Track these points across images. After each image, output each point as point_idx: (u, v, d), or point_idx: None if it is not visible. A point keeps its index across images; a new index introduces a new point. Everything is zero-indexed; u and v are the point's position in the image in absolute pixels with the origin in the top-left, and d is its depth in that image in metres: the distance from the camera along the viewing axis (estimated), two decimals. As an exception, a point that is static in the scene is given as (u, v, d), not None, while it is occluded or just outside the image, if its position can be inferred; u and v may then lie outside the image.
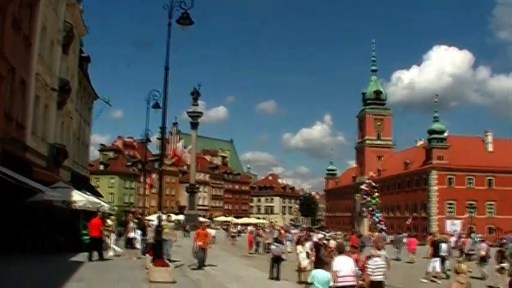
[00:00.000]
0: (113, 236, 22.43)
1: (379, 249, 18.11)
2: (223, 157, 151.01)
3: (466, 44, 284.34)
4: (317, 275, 9.88)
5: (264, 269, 20.78)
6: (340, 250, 11.45)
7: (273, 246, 21.47)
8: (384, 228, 47.20)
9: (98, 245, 20.60)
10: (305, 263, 17.97)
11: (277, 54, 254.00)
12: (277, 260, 19.66)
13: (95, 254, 20.13)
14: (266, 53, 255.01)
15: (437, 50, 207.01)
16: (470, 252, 26.73)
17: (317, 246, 17.47)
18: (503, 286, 18.64)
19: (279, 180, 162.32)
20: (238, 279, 19.14)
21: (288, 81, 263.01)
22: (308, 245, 20.91)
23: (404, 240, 35.51)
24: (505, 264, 19.49)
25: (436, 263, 21.08)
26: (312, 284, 9.82)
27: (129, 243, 25.89)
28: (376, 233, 41.95)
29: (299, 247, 19.27)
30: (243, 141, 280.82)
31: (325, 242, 22.16)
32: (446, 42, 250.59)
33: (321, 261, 10.68)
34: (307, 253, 19.40)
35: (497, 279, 19.20)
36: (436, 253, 21.87)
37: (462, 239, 34.13)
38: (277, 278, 19.33)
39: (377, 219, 47.70)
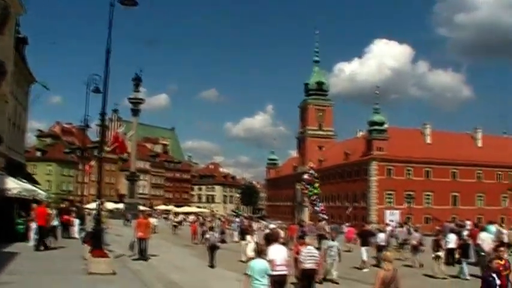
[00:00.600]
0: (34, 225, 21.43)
1: (333, 240, 18.26)
2: (164, 145, 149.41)
3: (406, 38, 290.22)
4: (255, 266, 9.66)
5: (206, 259, 20.42)
6: (274, 239, 11.28)
7: (207, 235, 21.77)
8: (326, 217, 47.39)
9: (44, 235, 19.95)
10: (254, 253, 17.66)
11: (219, 43, 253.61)
12: (213, 248, 20.10)
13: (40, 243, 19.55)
14: (208, 41, 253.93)
15: (378, 44, 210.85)
16: (404, 242, 27.21)
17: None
18: (440, 274, 19.01)
19: (220, 169, 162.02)
20: (180, 269, 18.76)
21: (230, 70, 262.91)
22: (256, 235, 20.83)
23: (345, 229, 36.00)
24: (441, 253, 19.73)
25: (365, 252, 21.35)
26: (251, 275, 9.56)
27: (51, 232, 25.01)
28: (319, 223, 42.14)
29: (248, 237, 19.00)
30: (184, 130, 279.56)
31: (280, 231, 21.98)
32: (387, 37, 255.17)
33: (260, 248, 10.47)
34: (257, 243, 19.23)
35: (434, 267, 19.43)
36: (364, 242, 22.35)
37: (398, 229, 34.63)
38: (212, 266, 19.64)
39: (318, 209, 47.86)
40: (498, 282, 9.13)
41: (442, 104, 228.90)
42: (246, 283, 9.65)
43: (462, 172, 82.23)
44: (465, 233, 25.75)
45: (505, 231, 30.86)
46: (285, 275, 10.79)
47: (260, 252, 10.20)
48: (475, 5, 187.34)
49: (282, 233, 20.44)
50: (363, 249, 21.55)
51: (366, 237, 23.24)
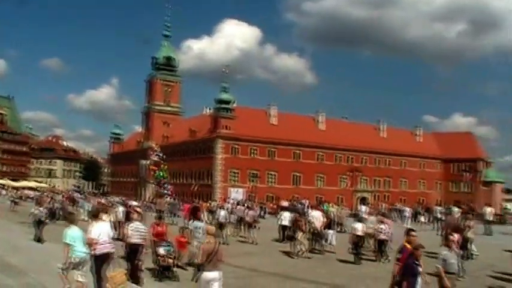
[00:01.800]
0: None
1: (199, 219, 18.19)
2: (1, 114, 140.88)
3: (255, 21, 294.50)
4: (71, 233, 9.91)
5: (47, 238, 19.32)
6: (96, 215, 11.21)
7: (36, 211, 21.69)
8: (174, 199, 47.15)
9: None
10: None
11: (63, 10, 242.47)
12: (39, 223, 20.91)
13: None
14: (52, 6, 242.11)
15: (229, 24, 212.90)
16: (241, 219, 28.29)
17: (128, 214, 16.81)
18: (301, 252, 20.34)
19: (62, 143, 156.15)
20: (19, 250, 17.40)
21: (74, 39, 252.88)
22: (121, 212, 20.45)
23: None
24: (300, 233, 20.39)
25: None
26: (71, 244, 9.71)
27: None
28: (160, 199, 42.13)
29: (104, 216, 18.02)
30: (24, 99, 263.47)
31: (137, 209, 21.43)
32: (237, 17, 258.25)
33: (71, 217, 10.80)
34: (114, 223, 18.58)
35: (297, 245, 20.54)
36: (194, 218, 22.83)
37: (238, 207, 35.53)
38: (39, 240, 20.05)
39: (167, 192, 47.47)
40: (420, 269, 9.60)
41: (287, 87, 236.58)
42: (67, 251, 9.70)
43: (304, 153, 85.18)
44: (315, 213, 27.12)
45: (332, 209, 33.19)
46: (108, 253, 10.57)
47: (71, 221, 10.29)
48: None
49: (139, 210, 19.89)
50: (192, 223, 21.84)
51: (195, 213, 24.10)
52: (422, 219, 40.89)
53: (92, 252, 10.09)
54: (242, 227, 27.24)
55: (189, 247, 16.34)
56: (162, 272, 14.12)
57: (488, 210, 36.88)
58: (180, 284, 13.07)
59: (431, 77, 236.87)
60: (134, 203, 32.56)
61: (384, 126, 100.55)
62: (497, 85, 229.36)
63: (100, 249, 10.12)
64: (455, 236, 16.37)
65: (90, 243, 10.08)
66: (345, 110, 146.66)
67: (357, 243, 19.48)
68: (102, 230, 10.39)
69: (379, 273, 17.08)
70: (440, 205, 46.63)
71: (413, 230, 11.00)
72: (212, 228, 10.74)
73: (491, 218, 35.97)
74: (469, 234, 19.63)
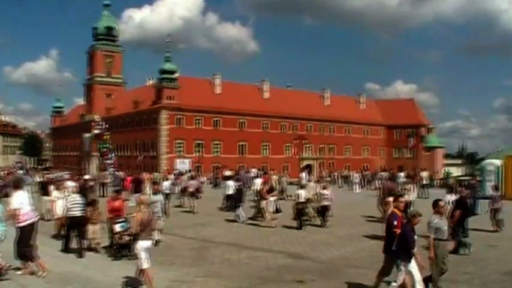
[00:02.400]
0: None
1: (156, 193, 17.74)
2: None
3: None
4: None
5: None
6: (18, 186, 10.55)
7: None
8: (117, 171, 46.37)
9: None
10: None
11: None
12: None
13: None
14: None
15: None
16: (184, 189, 28.35)
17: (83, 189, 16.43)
18: (267, 223, 20.33)
19: (0, 117, 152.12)
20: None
21: (9, 9, 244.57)
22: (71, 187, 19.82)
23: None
24: (264, 203, 20.86)
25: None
26: None
27: None
28: (102, 172, 41.55)
29: (55, 192, 17.47)
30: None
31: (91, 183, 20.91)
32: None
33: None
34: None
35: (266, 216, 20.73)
36: (136, 189, 24.95)
37: (182, 177, 35.50)
38: None
39: (110, 162, 46.66)
40: (416, 237, 9.38)
41: (230, 56, 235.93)
42: None
43: (249, 122, 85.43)
44: (258, 180, 27.49)
45: (274, 177, 33.49)
46: (33, 223, 10.16)
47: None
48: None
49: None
50: (134, 196, 21.62)
51: (137, 185, 25.96)
52: (377, 184, 41.59)
53: (17, 224, 9.66)
54: (185, 198, 27.02)
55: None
56: (119, 250, 13.45)
57: (424, 174, 38.29)
58: (138, 262, 12.50)
59: (372, 45, 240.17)
60: (87, 176, 31.98)
61: (327, 94, 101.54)
62: (436, 52, 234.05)
63: (26, 220, 9.74)
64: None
65: (12, 215, 9.63)
66: (289, 78, 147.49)
67: (301, 209, 19.72)
68: (23, 200, 9.97)
69: (330, 239, 17.44)
70: (385, 171, 47.36)
71: (401, 196, 10.94)
72: (146, 198, 10.73)
73: (426, 182, 37.09)
74: (410, 198, 19.98)
